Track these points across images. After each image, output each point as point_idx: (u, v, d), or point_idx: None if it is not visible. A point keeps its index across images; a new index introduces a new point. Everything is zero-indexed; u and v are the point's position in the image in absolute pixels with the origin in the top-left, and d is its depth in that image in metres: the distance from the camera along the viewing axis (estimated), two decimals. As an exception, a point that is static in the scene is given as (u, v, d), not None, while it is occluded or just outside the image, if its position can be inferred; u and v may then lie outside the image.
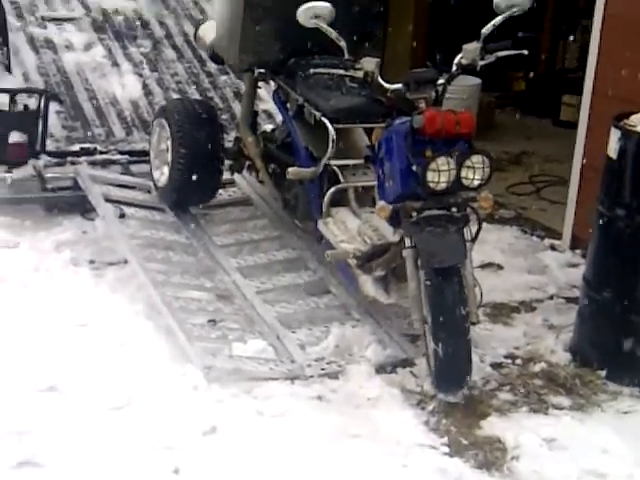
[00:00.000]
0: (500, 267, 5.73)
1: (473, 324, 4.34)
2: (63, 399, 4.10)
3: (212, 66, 6.86)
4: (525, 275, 5.65)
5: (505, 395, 4.40)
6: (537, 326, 5.07)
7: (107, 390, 4.16)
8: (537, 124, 8.83)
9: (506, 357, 4.74)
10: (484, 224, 6.18)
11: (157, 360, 4.41)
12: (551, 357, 4.74)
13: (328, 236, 4.83)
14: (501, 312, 5.21)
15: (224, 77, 6.80)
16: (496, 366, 4.64)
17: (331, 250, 4.71)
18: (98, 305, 4.87)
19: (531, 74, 9.31)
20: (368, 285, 4.63)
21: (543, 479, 3.79)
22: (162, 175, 5.67)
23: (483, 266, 5.66)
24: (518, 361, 4.71)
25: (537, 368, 4.64)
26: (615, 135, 4.49)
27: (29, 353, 4.38)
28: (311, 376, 4.40)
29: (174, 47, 7.06)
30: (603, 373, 4.56)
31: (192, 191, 5.59)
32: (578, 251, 5.91)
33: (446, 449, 3.97)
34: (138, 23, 7.21)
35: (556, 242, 6.12)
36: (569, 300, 5.30)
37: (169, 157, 5.56)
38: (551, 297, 5.41)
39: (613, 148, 4.50)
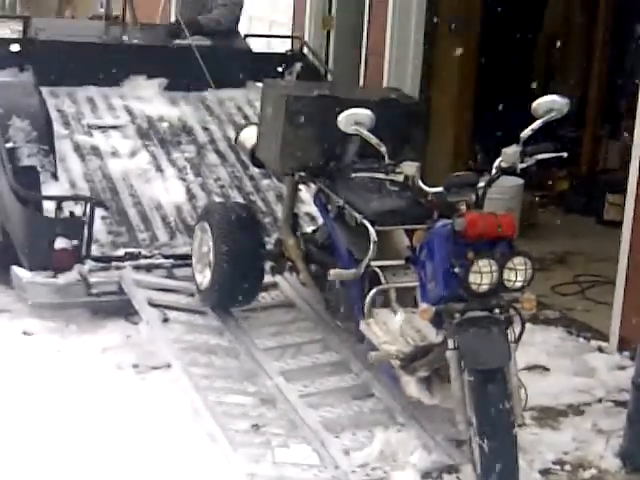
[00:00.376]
0: (546, 369, 5.64)
1: (519, 426, 4.27)
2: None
3: (254, 170, 6.93)
4: (572, 378, 5.55)
5: (555, 502, 4.31)
6: (586, 431, 4.96)
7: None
8: (581, 223, 8.80)
9: (554, 463, 4.63)
10: (529, 325, 6.19)
11: (200, 466, 4.38)
12: (601, 463, 4.64)
13: (370, 337, 4.82)
14: (548, 416, 5.12)
15: (267, 181, 6.87)
16: (544, 472, 4.53)
17: (374, 351, 4.71)
18: (141, 410, 4.85)
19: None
20: (411, 386, 4.60)
21: None
22: (204, 278, 5.71)
23: (529, 368, 5.58)
24: (567, 467, 4.61)
25: (587, 475, 4.54)
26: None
27: (74, 459, 4.37)
28: (356, 482, 4.34)
29: (217, 152, 7.16)
30: (655, 479, 4.46)
31: (234, 293, 5.62)
32: (626, 353, 5.81)
33: None
34: (182, 129, 7.32)
35: (603, 344, 6.03)
36: (618, 404, 5.19)
37: (211, 259, 5.61)
38: (599, 400, 5.31)
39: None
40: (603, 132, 9.54)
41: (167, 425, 4.69)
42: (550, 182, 9.57)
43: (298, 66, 8.20)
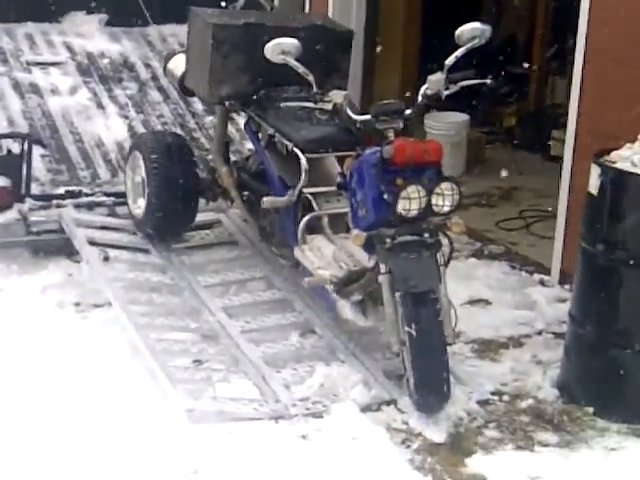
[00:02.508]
0: (488, 303, 5.69)
1: (449, 345, 4.45)
2: (45, 440, 4.06)
3: (198, 107, 6.91)
4: (513, 311, 5.60)
5: (491, 432, 4.35)
6: (525, 362, 5.02)
7: (89, 433, 4.12)
8: (528, 159, 8.82)
9: (493, 394, 4.68)
10: (472, 259, 6.33)
11: (139, 403, 4.37)
12: (538, 393, 4.69)
13: (304, 263, 4.92)
14: (488, 348, 5.17)
15: (210, 117, 6.81)
16: (483, 403, 4.58)
17: (308, 277, 4.79)
18: (82, 347, 4.83)
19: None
20: (346, 309, 4.69)
21: (527, 517, 3.75)
22: (139, 208, 5.73)
23: (471, 302, 5.64)
24: (505, 397, 4.66)
25: (524, 405, 4.59)
26: (595, 171, 4.48)
27: (12, 395, 4.35)
28: (295, 415, 4.36)
29: (160, 89, 7.10)
30: (591, 409, 4.50)
31: (168, 221, 5.64)
32: (567, 286, 5.86)
33: (431, 488, 3.93)
34: (123, 66, 7.22)
35: (545, 277, 6.08)
36: (557, 335, 5.24)
37: (144, 189, 5.62)
38: (539, 333, 5.36)
39: (594, 184, 4.49)
40: (551, 68, 9.53)
41: (107, 363, 4.68)
42: (498, 118, 9.57)
43: (241, 1, 8.09)
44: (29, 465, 3.91)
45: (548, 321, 5.48)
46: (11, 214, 5.73)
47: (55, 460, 3.94)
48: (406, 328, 4.32)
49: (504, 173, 7.56)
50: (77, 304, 5.36)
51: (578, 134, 5.84)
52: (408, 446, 4.22)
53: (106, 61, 7.25)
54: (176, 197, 5.55)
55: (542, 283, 6.03)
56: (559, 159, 6.38)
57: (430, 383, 4.33)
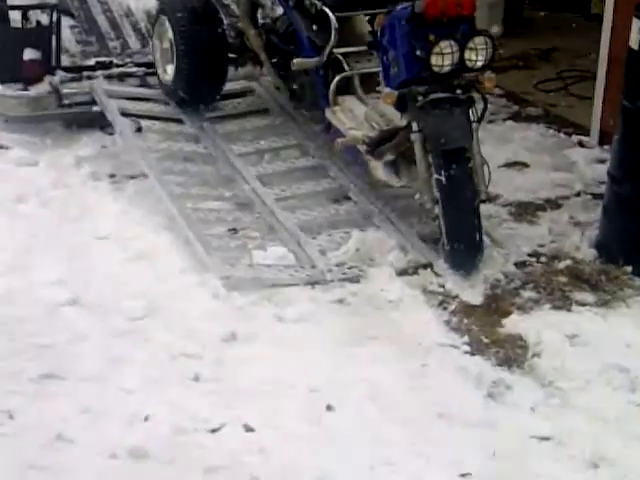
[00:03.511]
0: (526, 165, 5.62)
1: (483, 202, 4.49)
2: (84, 312, 4.12)
3: (228, -26, 6.75)
4: (551, 173, 5.53)
5: (528, 293, 4.35)
6: (562, 223, 4.98)
7: (127, 301, 4.17)
8: (568, 19, 8.58)
9: (530, 255, 4.67)
10: (510, 122, 6.24)
11: (177, 271, 4.41)
12: (576, 254, 4.67)
13: (336, 124, 4.90)
14: (526, 211, 5.12)
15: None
16: (520, 264, 4.57)
17: (340, 138, 4.78)
18: (118, 218, 4.86)
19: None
20: (379, 170, 4.69)
21: (564, 375, 3.76)
22: (167, 74, 5.67)
23: (508, 165, 5.59)
24: (542, 259, 4.64)
25: (562, 265, 4.57)
26: (637, 26, 4.34)
27: (50, 268, 4.39)
28: (332, 280, 4.38)
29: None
30: (629, 269, 4.48)
31: (198, 86, 5.57)
32: (606, 147, 5.75)
33: (467, 348, 3.96)
34: None
35: (584, 138, 5.99)
36: (596, 196, 5.18)
37: (173, 54, 5.55)
38: (578, 194, 5.31)
39: (635, 39, 4.36)
40: None
41: (143, 233, 4.69)
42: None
43: None
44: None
45: (587, 182, 5.42)
46: (42, 87, 5.69)
47: (88, 329, 4.00)
48: (438, 185, 4.33)
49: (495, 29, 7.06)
50: (112, 175, 5.36)
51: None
52: (445, 308, 4.24)
53: None
54: (204, 59, 5.47)
55: (581, 144, 5.95)
56: (600, 18, 6.20)
57: (462, 237, 4.37)
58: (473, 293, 4.32)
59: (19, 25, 5.69)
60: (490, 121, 5.89)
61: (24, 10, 5.68)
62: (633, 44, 4.37)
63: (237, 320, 4.07)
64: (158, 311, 4.12)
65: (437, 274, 4.45)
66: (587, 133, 6.02)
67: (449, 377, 3.74)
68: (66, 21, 5.97)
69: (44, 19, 5.75)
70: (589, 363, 3.80)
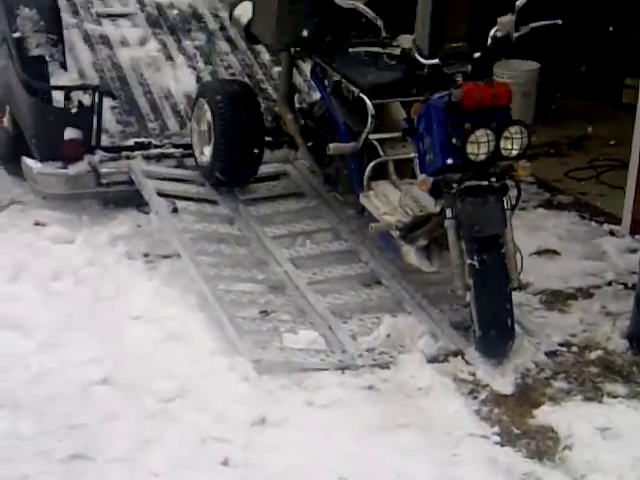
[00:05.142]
0: (557, 253, 5.64)
1: (515, 289, 4.49)
2: (116, 392, 4.15)
3: (266, 57, 6.89)
4: (582, 261, 5.55)
5: (559, 383, 4.35)
6: (594, 313, 4.98)
7: (159, 382, 4.19)
8: (598, 108, 8.65)
9: (561, 345, 4.67)
10: (541, 210, 6.26)
11: (208, 353, 4.44)
12: (608, 344, 4.67)
13: (370, 209, 4.96)
14: (557, 299, 5.14)
15: (277, 68, 6.77)
16: (551, 354, 4.58)
17: (374, 223, 4.83)
18: (151, 298, 4.90)
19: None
20: (411, 255, 4.73)
21: (596, 468, 3.74)
22: (204, 155, 5.76)
23: (540, 252, 5.60)
24: (574, 349, 4.65)
25: (593, 356, 4.57)
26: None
27: (82, 346, 4.44)
28: (362, 366, 4.40)
29: (228, 40, 7.07)
30: (661, 361, 4.48)
31: (234, 168, 5.65)
32: (638, 236, 5.79)
33: (497, 438, 3.96)
34: (192, 16, 7.22)
35: (615, 227, 6.00)
36: (628, 286, 5.18)
37: (210, 136, 5.65)
38: (609, 283, 5.31)
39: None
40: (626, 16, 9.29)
41: (176, 313, 4.73)
42: (568, 66, 9.39)
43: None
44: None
45: (618, 272, 5.42)
46: (82, 166, 5.77)
47: (119, 409, 4.02)
48: (471, 271, 4.36)
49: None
50: (146, 255, 5.42)
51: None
52: (475, 397, 4.24)
53: (175, 12, 7.23)
54: (242, 142, 5.57)
55: (612, 233, 5.95)
56: (631, 107, 6.26)
57: (494, 324, 4.38)
58: (504, 382, 4.32)
59: (61, 105, 5.78)
60: (522, 208, 5.89)
61: (67, 91, 5.78)
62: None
63: (267, 404, 4.09)
64: (189, 393, 4.15)
65: (468, 362, 4.46)
66: (618, 222, 6.03)
67: (479, 468, 3.73)
68: (107, 102, 6.06)
69: (86, 99, 5.85)
70: (621, 457, 3.78)
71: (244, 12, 5.83)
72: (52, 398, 4.05)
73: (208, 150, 5.71)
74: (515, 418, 4.09)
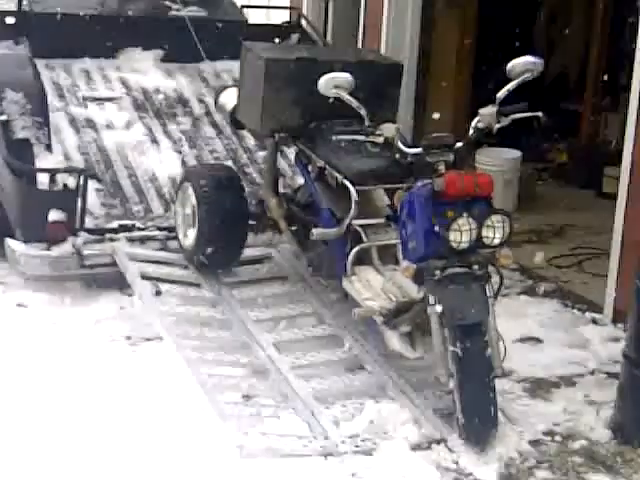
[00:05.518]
0: (540, 341, 5.65)
1: (498, 377, 4.48)
2: (98, 477, 4.08)
3: (250, 142, 6.96)
4: (565, 349, 5.55)
5: (543, 473, 4.31)
6: (577, 402, 4.96)
7: (141, 467, 4.13)
8: (579, 196, 8.77)
9: (545, 433, 4.63)
10: (524, 297, 6.29)
11: (190, 437, 4.38)
12: (591, 434, 4.64)
13: (353, 294, 4.96)
14: (540, 387, 5.12)
15: (262, 153, 6.85)
16: (534, 443, 4.53)
17: (357, 308, 4.82)
18: (133, 381, 4.86)
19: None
20: (394, 340, 4.72)
21: None
22: (188, 238, 5.79)
23: (522, 340, 5.60)
24: (557, 438, 4.61)
25: (577, 445, 4.54)
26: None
27: (65, 430, 4.38)
28: (345, 452, 4.35)
29: (213, 124, 7.15)
30: (645, 451, 4.46)
31: (218, 252, 5.66)
32: (620, 325, 5.80)
33: (482, 529, 3.90)
34: (178, 101, 7.32)
35: (598, 316, 6.02)
36: (611, 375, 5.18)
37: (194, 220, 5.68)
38: (592, 372, 5.31)
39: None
40: (603, 104, 9.48)
41: (157, 397, 4.70)
42: (549, 154, 9.54)
43: (295, 38, 8.17)
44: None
45: (601, 360, 5.43)
46: (65, 247, 5.78)
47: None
48: (454, 358, 4.35)
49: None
50: (128, 337, 5.40)
51: (633, 170, 5.79)
52: (459, 485, 4.19)
53: (161, 97, 7.33)
54: (225, 226, 5.60)
55: (595, 322, 5.98)
56: (612, 196, 6.34)
57: (477, 412, 4.36)
58: (487, 471, 4.27)
59: (46, 187, 5.81)
60: (504, 295, 5.92)
61: (52, 173, 5.82)
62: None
63: (249, 491, 4.04)
64: (173, 477, 4.09)
65: (451, 450, 4.41)
66: (601, 311, 6.06)
67: None
68: (92, 184, 6.09)
69: (71, 182, 5.88)
70: None
71: (229, 98, 5.93)
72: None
73: (192, 233, 5.74)
74: (499, 508, 4.06)
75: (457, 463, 4.33)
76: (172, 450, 4.28)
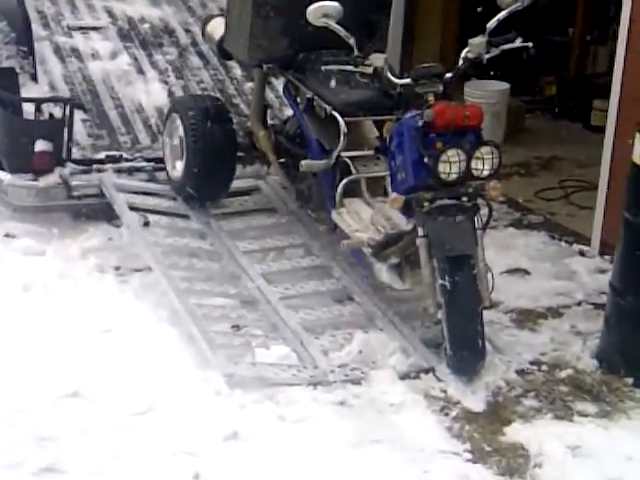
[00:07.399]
0: (527, 273, 5.67)
1: (486, 309, 4.52)
2: (86, 404, 4.12)
3: (237, 73, 6.91)
4: (552, 281, 5.58)
5: (530, 402, 4.36)
6: (564, 332, 5.01)
7: (130, 396, 4.17)
8: (568, 129, 8.74)
9: (532, 363, 4.68)
10: (512, 229, 6.30)
11: (180, 367, 4.41)
12: (578, 364, 4.69)
13: (342, 226, 4.96)
14: (527, 318, 5.15)
15: (249, 84, 6.79)
16: (521, 372, 4.59)
17: (346, 240, 4.83)
18: (122, 311, 4.88)
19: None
20: (383, 272, 4.73)
21: (566, 486, 3.75)
22: (176, 170, 5.76)
23: (510, 271, 5.62)
24: (544, 367, 4.66)
25: (563, 375, 4.59)
26: (640, 140, 4.44)
27: (53, 359, 4.41)
28: (334, 382, 4.39)
29: (200, 54, 7.07)
30: (630, 380, 4.50)
31: (206, 183, 5.63)
32: (607, 257, 5.82)
33: (469, 455, 3.96)
34: (164, 31, 7.23)
35: (585, 248, 6.05)
36: (597, 306, 5.22)
37: (182, 151, 5.64)
38: (579, 303, 5.34)
39: (638, 153, 4.44)
40: (592, 37, 9.41)
41: (146, 327, 4.71)
42: (538, 87, 9.48)
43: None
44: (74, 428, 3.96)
45: (587, 292, 5.46)
46: (52, 178, 5.73)
47: (90, 422, 3.99)
48: (442, 290, 4.38)
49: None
50: (117, 268, 5.39)
51: (621, 103, 5.77)
52: (446, 414, 4.24)
53: (146, 26, 7.23)
54: (213, 157, 5.56)
55: (582, 253, 6.00)
56: (600, 129, 6.33)
57: (465, 343, 4.40)
58: (475, 400, 4.33)
59: (32, 117, 5.76)
60: (492, 227, 5.93)
61: (37, 103, 5.76)
62: (637, 159, 4.45)
63: (239, 419, 4.07)
64: (160, 407, 4.12)
65: (439, 379, 4.46)
66: (588, 243, 6.07)
67: (451, 485, 3.73)
68: (78, 115, 6.03)
69: (57, 112, 5.84)
70: (591, 475, 3.80)
71: (217, 28, 5.86)
72: (20, 410, 4.00)
73: (180, 165, 5.70)
74: (486, 435, 4.10)
75: (445, 392, 4.38)
76: (162, 380, 4.30)
